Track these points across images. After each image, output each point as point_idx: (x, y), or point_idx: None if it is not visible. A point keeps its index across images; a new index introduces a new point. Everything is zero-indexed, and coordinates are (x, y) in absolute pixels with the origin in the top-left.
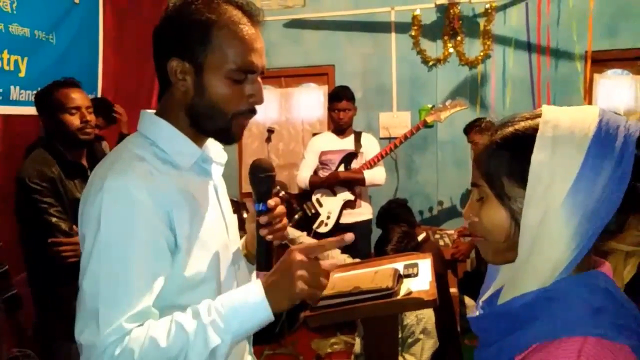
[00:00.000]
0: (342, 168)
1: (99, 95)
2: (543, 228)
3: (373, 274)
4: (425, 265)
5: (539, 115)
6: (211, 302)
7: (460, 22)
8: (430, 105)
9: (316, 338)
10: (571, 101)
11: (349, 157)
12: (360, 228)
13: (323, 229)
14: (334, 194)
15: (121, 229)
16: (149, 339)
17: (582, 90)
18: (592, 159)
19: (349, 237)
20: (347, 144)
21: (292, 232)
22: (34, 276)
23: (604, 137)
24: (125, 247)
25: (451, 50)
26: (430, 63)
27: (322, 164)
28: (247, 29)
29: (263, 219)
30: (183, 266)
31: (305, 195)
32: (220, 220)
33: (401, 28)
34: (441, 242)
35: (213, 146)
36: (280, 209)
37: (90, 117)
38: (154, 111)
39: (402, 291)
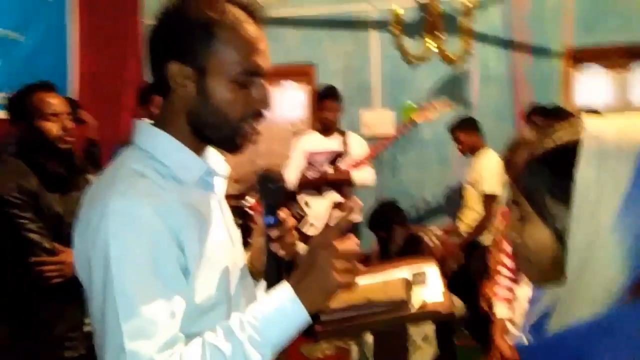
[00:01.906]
0: (329, 169)
1: (71, 96)
2: (592, 249)
3: (382, 285)
4: (433, 273)
5: (579, 126)
6: (242, 315)
7: (441, 19)
8: (413, 104)
9: (305, 342)
10: (550, 98)
11: (335, 158)
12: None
13: (312, 231)
14: (321, 195)
15: (134, 257)
16: None
17: (560, 87)
18: None
19: (353, 202)
20: (333, 143)
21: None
22: (10, 297)
23: None
24: (141, 276)
25: (432, 48)
26: (412, 61)
27: (309, 164)
28: (251, 28)
29: (274, 233)
30: (193, 291)
31: (290, 196)
32: (227, 237)
33: (382, 25)
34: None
35: (213, 157)
36: (292, 221)
37: (70, 124)
38: (151, 122)
39: (416, 302)
